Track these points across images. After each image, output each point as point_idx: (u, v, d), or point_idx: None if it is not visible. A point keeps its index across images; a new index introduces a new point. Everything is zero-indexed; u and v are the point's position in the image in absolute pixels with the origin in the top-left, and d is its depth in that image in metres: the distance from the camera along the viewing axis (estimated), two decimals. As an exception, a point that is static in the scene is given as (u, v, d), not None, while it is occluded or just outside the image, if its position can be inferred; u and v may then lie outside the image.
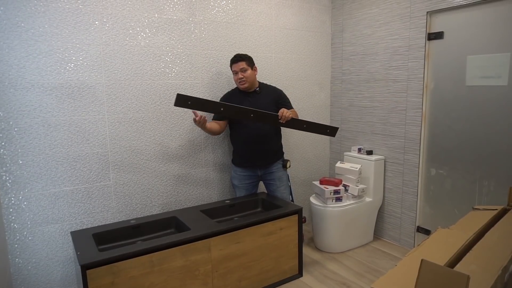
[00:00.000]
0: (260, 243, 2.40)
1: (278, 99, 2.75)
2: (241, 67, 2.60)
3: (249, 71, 2.62)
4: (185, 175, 2.80)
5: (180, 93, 2.33)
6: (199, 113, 2.43)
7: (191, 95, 2.36)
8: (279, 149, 2.86)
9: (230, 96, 2.75)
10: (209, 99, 2.80)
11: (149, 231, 2.37)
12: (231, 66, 2.67)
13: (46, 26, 2.18)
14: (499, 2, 2.36)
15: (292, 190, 3.30)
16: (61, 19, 2.22)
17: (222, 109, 2.43)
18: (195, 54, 2.74)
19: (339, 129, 3.57)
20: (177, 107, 2.47)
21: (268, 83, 2.88)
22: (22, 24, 2.11)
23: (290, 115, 2.53)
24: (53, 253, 2.34)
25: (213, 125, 2.64)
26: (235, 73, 2.64)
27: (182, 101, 2.25)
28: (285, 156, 3.01)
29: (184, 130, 2.76)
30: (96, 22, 2.33)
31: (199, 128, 2.78)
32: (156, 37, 2.56)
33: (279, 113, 2.51)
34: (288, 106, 2.76)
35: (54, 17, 2.20)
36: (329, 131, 2.74)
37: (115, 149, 2.49)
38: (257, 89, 2.72)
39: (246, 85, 2.64)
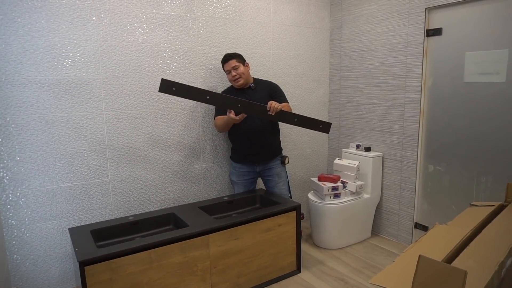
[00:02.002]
0: (259, 239, 2.40)
1: (272, 92, 2.71)
2: (233, 65, 2.59)
3: (242, 68, 2.61)
4: (183, 171, 2.80)
5: (164, 78, 2.28)
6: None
7: (176, 81, 2.27)
8: (277, 145, 2.86)
9: (226, 93, 2.74)
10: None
11: (148, 228, 2.37)
12: (223, 66, 2.66)
13: (43, 21, 2.16)
14: (497, -1, 2.36)
15: (290, 186, 3.30)
16: (58, 14, 2.20)
17: (208, 97, 2.29)
18: (193, 50, 2.73)
19: (338, 126, 3.57)
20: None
21: (264, 79, 2.88)
22: (19, 20, 2.10)
23: (279, 107, 2.41)
24: (51, 249, 2.33)
25: (220, 119, 2.61)
26: (228, 72, 2.63)
27: (167, 87, 2.18)
28: (283, 153, 3.01)
29: (182, 127, 2.75)
30: (94, 18, 2.32)
31: (197, 125, 2.80)
32: (154, 33, 2.55)
33: (268, 105, 2.40)
34: (282, 99, 2.71)
35: (51, 12, 2.18)
36: (322, 126, 2.57)
37: (113, 146, 2.48)
38: (252, 84, 2.71)
39: (241, 82, 2.62)
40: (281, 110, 2.44)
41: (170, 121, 2.69)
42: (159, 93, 2.61)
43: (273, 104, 2.40)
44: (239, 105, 2.38)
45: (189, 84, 2.38)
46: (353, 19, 3.29)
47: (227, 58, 2.62)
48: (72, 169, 2.35)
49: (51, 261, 2.34)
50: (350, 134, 3.46)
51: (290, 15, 3.23)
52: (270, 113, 2.41)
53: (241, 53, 2.71)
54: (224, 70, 2.67)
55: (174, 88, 2.20)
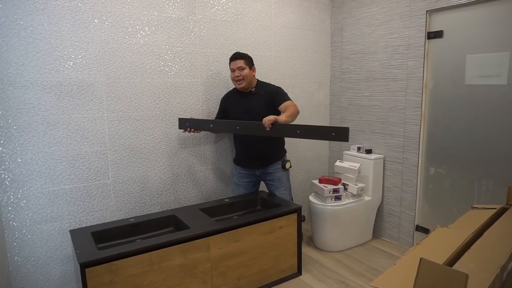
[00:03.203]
0: (259, 241, 2.40)
1: (273, 97, 2.61)
2: (239, 65, 2.57)
3: (247, 70, 2.58)
4: (184, 173, 2.80)
5: (180, 117, 2.69)
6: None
7: (188, 118, 2.71)
8: (277, 150, 2.80)
9: (228, 97, 2.77)
10: (210, 100, 2.82)
11: (148, 230, 2.37)
12: (229, 63, 2.65)
13: (45, 24, 2.17)
14: (498, 1, 2.35)
15: (292, 190, 3.29)
16: (60, 17, 2.21)
17: (211, 125, 2.58)
18: (195, 52, 2.74)
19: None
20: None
21: (268, 82, 2.87)
22: (21, 22, 2.10)
23: (272, 119, 2.25)
24: (52, 251, 2.33)
25: None
26: (232, 70, 2.62)
27: (183, 123, 2.64)
28: (286, 156, 3.00)
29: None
30: (95, 20, 2.33)
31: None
32: (156, 35, 2.56)
33: (263, 122, 2.28)
34: (284, 99, 2.57)
35: (53, 14, 2.19)
36: (336, 134, 2.09)
37: (114, 148, 2.48)
38: (253, 89, 2.66)
39: (242, 84, 2.60)
40: (277, 124, 2.28)
41: (171, 123, 2.69)
42: (160, 95, 2.62)
43: (265, 119, 2.27)
44: (238, 127, 2.45)
45: (197, 118, 2.77)
46: (354, 21, 3.29)
47: (236, 56, 2.59)
48: (73, 171, 2.36)
49: (52, 263, 2.34)
50: (351, 136, 3.45)
51: (291, 18, 3.24)
52: (267, 129, 2.29)
53: None
54: (229, 67, 2.66)
55: (187, 124, 2.62)
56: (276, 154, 2.80)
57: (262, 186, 3.04)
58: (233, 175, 2.90)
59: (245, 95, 2.69)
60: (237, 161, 2.85)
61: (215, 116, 2.83)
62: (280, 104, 2.56)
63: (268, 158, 2.77)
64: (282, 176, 2.81)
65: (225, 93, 2.83)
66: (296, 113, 2.49)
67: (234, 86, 2.74)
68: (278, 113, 2.58)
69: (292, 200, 3.00)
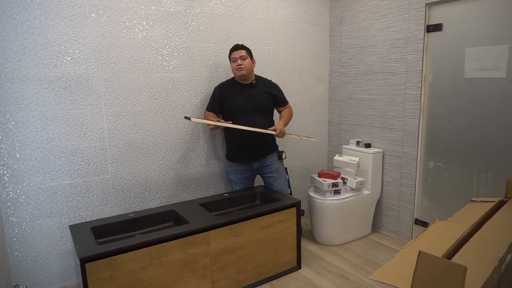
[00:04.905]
0: (259, 236, 2.40)
1: (276, 93, 2.78)
2: (242, 54, 2.61)
3: (248, 60, 2.63)
4: (183, 168, 2.80)
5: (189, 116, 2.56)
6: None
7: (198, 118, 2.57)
8: (272, 141, 2.84)
9: (225, 86, 2.74)
10: (209, 95, 2.80)
11: (148, 225, 2.37)
12: (230, 53, 2.66)
13: (42, 18, 2.16)
14: (498, -6, 2.34)
15: (290, 183, 3.30)
16: (57, 11, 2.20)
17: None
18: (193, 46, 2.73)
19: (339, 123, 3.57)
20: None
21: (265, 76, 2.88)
22: (18, 17, 2.09)
23: (285, 132, 2.67)
24: (52, 246, 2.34)
25: (209, 116, 2.70)
26: (234, 60, 2.62)
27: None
28: (284, 149, 3.01)
29: (182, 124, 2.75)
30: (93, 15, 2.31)
31: (197, 122, 2.79)
32: (154, 30, 2.54)
33: (277, 131, 2.62)
34: (285, 101, 2.86)
35: (50, 9, 2.17)
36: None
37: (113, 143, 2.48)
38: (253, 81, 2.72)
39: (243, 72, 2.61)
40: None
41: (170, 118, 2.69)
42: (158, 89, 2.61)
43: (279, 131, 2.63)
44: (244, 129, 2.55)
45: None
46: (352, 15, 3.27)
47: (238, 46, 2.64)
48: (72, 166, 2.35)
49: (52, 258, 2.35)
50: (350, 130, 3.45)
51: (290, 11, 3.22)
52: (276, 136, 2.68)
53: None
54: (230, 58, 2.67)
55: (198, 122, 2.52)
56: (272, 145, 2.84)
57: (258, 182, 3.04)
58: (229, 173, 2.88)
59: (245, 86, 2.70)
60: (232, 158, 2.82)
61: (206, 107, 2.79)
62: (282, 106, 2.83)
63: (266, 150, 2.78)
64: (280, 167, 2.84)
65: (219, 83, 2.79)
66: (291, 118, 2.88)
67: (231, 78, 2.75)
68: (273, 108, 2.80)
69: (291, 192, 3.01)
